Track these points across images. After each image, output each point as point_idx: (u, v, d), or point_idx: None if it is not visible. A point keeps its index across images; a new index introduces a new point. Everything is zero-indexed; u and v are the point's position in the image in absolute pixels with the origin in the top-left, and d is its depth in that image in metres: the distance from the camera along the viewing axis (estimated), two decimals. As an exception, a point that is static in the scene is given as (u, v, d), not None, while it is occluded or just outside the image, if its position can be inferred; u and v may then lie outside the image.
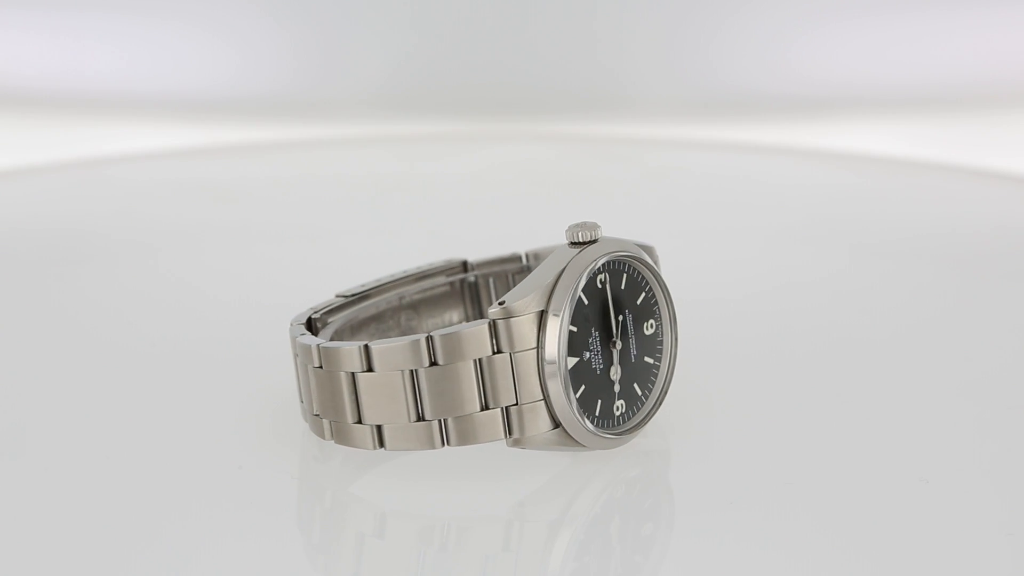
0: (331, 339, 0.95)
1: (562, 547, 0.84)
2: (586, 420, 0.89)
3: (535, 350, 0.87)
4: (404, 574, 0.83)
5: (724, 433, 0.96)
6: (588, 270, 0.88)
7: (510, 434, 0.88)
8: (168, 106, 1.92)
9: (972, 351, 1.09)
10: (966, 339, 1.12)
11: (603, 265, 0.90)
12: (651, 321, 0.93)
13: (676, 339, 0.94)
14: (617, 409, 0.91)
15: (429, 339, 0.87)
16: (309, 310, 0.99)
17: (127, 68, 1.93)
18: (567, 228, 0.90)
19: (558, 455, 0.91)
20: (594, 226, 0.90)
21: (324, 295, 1.01)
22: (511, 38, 1.94)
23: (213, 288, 1.32)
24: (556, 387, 0.87)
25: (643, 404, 0.92)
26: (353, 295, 1.01)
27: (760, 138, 1.87)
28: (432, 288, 1.06)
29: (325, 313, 0.99)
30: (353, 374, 0.89)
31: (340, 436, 0.90)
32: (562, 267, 0.88)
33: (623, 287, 0.91)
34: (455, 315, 1.07)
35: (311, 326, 0.98)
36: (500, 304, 0.87)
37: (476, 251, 1.08)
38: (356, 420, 0.89)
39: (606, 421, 0.90)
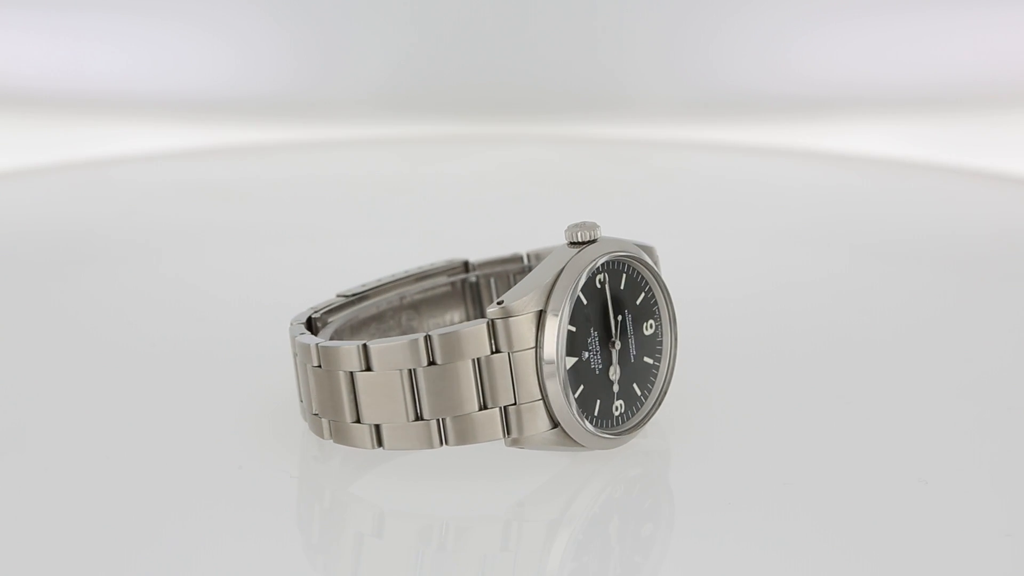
0: (331, 339, 0.96)
1: (561, 547, 0.84)
2: (585, 420, 0.89)
3: (534, 350, 0.87)
4: (403, 574, 0.83)
5: (724, 433, 0.96)
6: (587, 270, 0.88)
7: (508, 434, 0.88)
8: (168, 106, 1.92)
9: (972, 352, 1.09)
10: (966, 340, 1.12)
11: (602, 265, 0.90)
12: (650, 321, 0.93)
13: (676, 339, 0.93)
14: (616, 409, 0.91)
15: (427, 339, 0.87)
16: (309, 310, 0.99)
17: (127, 68, 1.93)
18: (566, 228, 0.90)
19: (557, 455, 0.91)
20: (593, 226, 0.90)
21: (325, 295, 1.01)
22: (512, 39, 1.93)
23: (213, 288, 1.32)
24: (555, 387, 0.87)
25: (642, 404, 0.92)
26: (353, 295, 1.01)
27: (760, 138, 1.87)
28: (433, 288, 1.06)
29: (325, 313, 0.99)
30: (352, 373, 0.89)
31: (339, 435, 0.90)
32: (561, 267, 0.88)
33: (622, 287, 0.91)
34: (456, 315, 1.07)
35: (311, 326, 0.98)
36: (499, 304, 0.87)
37: (478, 252, 1.08)
38: (355, 419, 0.89)
39: (605, 421, 0.90)
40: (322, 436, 0.92)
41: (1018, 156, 1.80)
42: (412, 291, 1.05)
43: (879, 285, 1.28)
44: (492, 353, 0.87)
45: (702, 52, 1.92)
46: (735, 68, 1.92)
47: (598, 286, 0.90)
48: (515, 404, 0.88)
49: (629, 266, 0.91)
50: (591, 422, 0.89)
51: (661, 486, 0.93)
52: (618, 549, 0.84)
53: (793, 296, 1.25)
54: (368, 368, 0.88)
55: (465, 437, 0.88)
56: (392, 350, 0.87)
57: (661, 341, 0.93)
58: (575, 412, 0.88)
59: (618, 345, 0.91)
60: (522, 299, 0.87)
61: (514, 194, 1.65)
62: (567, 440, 0.89)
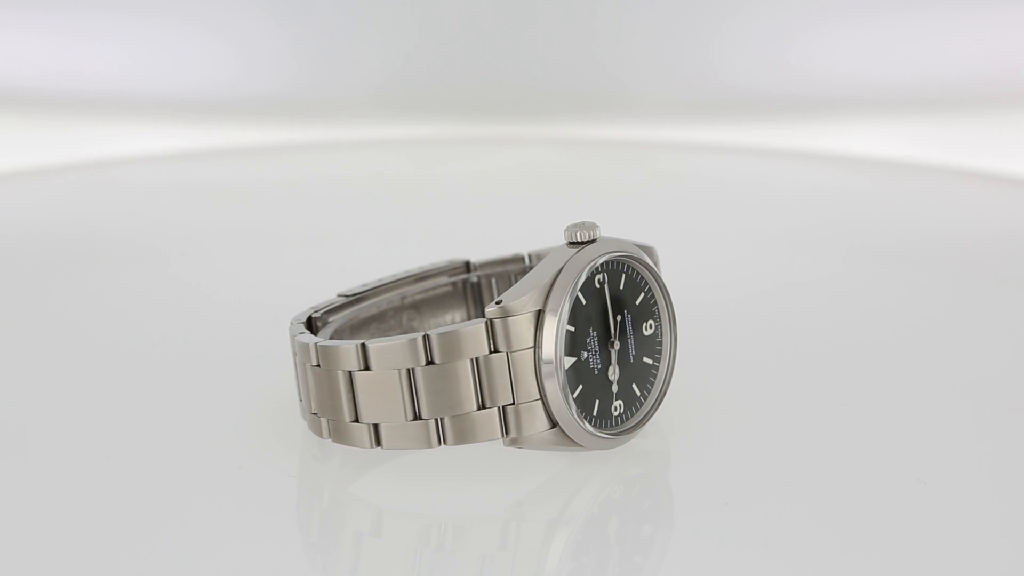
0: (331, 338, 0.96)
1: (559, 547, 0.84)
2: (583, 420, 0.89)
3: (532, 350, 0.87)
4: (401, 573, 0.83)
5: (724, 433, 0.96)
6: (586, 270, 0.88)
7: (507, 434, 0.88)
8: (168, 107, 1.92)
9: (972, 354, 1.09)
10: (966, 341, 1.12)
11: (601, 265, 0.90)
12: (650, 322, 0.93)
13: (675, 340, 0.93)
14: (615, 409, 0.91)
15: (426, 338, 0.87)
16: (310, 309, 0.99)
17: (127, 69, 1.93)
18: (565, 228, 0.90)
19: (556, 455, 0.91)
20: (592, 226, 0.90)
21: (326, 295, 1.01)
22: (512, 40, 1.93)
23: (214, 288, 1.32)
24: (553, 387, 0.87)
25: (642, 405, 0.92)
26: (354, 295, 1.01)
27: (760, 139, 1.87)
28: (434, 288, 1.06)
29: (326, 312, 0.99)
30: (350, 372, 0.89)
31: (337, 435, 0.91)
32: (560, 266, 0.88)
33: (622, 287, 0.91)
34: (457, 315, 1.07)
35: (311, 325, 0.98)
36: (497, 303, 0.87)
37: (480, 252, 1.08)
38: (353, 419, 0.89)
39: (604, 421, 0.90)
40: (321, 435, 0.92)
41: (1019, 156, 1.80)
42: (413, 291, 1.05)
43: (879, 285, 1.28)
44: (491, 353, 0.87)
45: (702, 52, 1.92)
46: (735, 68, 1.92)
47: (597, 286, 0.90)
48: (513, 404, 0.87)
49: (628, 266, 0.91)
50: (590, 422, 0.89)
51: (660, 486, 0.93)
52: (617, 549, 0.84)
53: (793, 296, 1.25)
54: (366, 367, 0.88)
55: (463, 437, 0.88)
56: (390, 349, 0.87)
57: (661, 341, 0.93)
58: (574, 412, 0.88)
59: (617, 345, 0.91)
60: (521, 299, 0.87)
61: (515, 195, 1.66)
62: (566, 440, 0.89)
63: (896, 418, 0.98)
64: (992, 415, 0.98)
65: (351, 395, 0.89)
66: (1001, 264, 1.36)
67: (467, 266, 1.07)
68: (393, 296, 1.03)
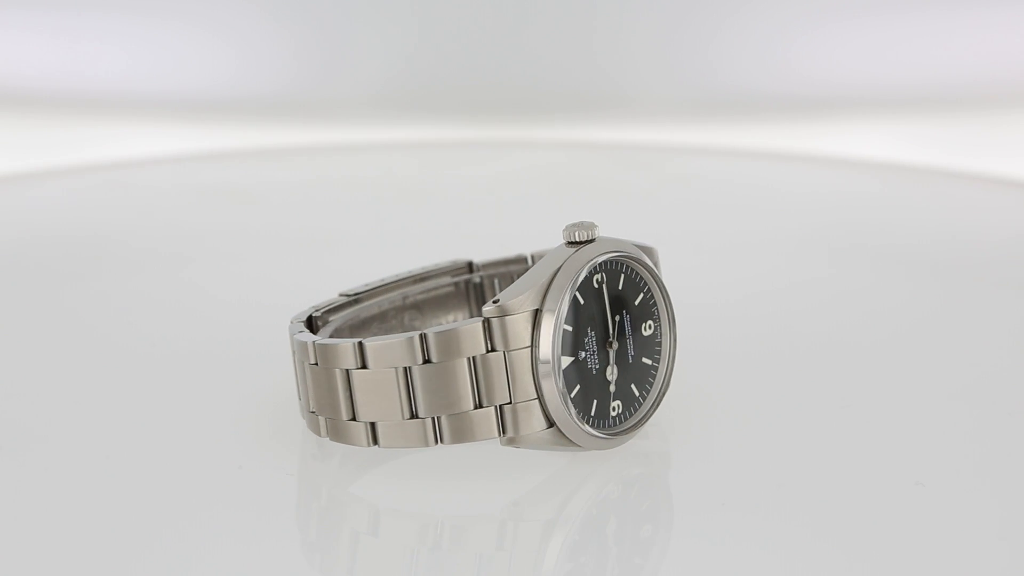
0: (330, 337, 0.96)
1: (557, 547, 0.84)
2: (581, 420, 0.89)
3: (529, 349, 0.87)
4: (399, 573, 0.83)
5: (723, 434, 0.96)
6: (584, 269, 0.88)
7: (504, 433, 0.88)
8: (168, 107, 1.92)
9: (971, 355, 1.09)
10: (965, 343, 1.12)
11: (600, 265, 0.90)
12: (649, 322, 0.93)
13: (675, 340, 0.93)
14: (613, 410, 0.91)
15: (423, 336, 0.87)
16: (311, 308, 0.99)
17: (128, 69, 1.94)
18: (564, 228, 0.90)
19: (554, 455, 0.91)
20: (591, 226, 0.90)
21: (327, 296, 1.01)
22: (512, 41, 1.94)
23: (214, 289, 1.32)
24: (550, 386, 0.87)
25: (640, 405, 0.92)
26: (355, 294, 1.02)
27: (760, 139, 1.88)
28: (436, 288, 1.06)
29: (327, 312, 0.99)
30: (348, 371, 0.89)
31: (335, 433, 0.91)
32: (558, 266, 0.88)
33: (621, 287, 0.91)
34: (460, 316, 1.06)
35: (312, 324, 0.98)
36: (494, 302, 0.87)
37: (483, 253, 1.08)
38: (350, 417, 0.89)
39: (602, 421, 0.90)
40: (319, 434, 0.92)
41: (1019, 157, 1.80)
42: (415, 291, 1.05)
43: (879, 287, 1.28)
44: (488, 352, 0.87)
45: (702, 53, 1.92)
46: (735, 68, 1.92)
47: (595, 286, 0.90)
48: (511, 403, 0.87)
49: (628, 266, 0.91)
50: (587, 422, 0.89)
51: (659, 487, 0.93)
52: (615, 549, 0.84)
53: (792, 297, 1.25)
54: (364, 366, 0.88)
55: (460, 435, 0.88)
56: (387, 348, 0.87)
57: (660, 342, 0.93)
58: (571, 412, 0.88)
59: (616, 345, 0.91)
60: (518, 298, 0.87)
61: (516, 196, 1.66)
62: (563, 440, 0.89)
63: (895, 420, 0.97)
64: (991, 417, 0.98)
65: (348, 393, 0.89)
66: (1002, 266, 1.36)
67: (470, 266, 1.07)
68: (395, 296, 1.04)
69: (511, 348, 0.87)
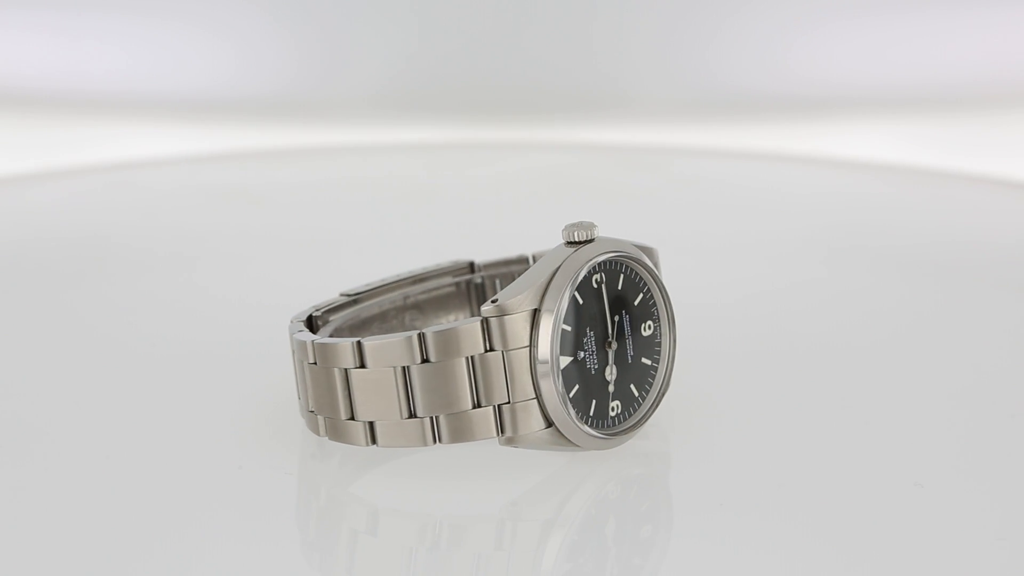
0: (330, 337, 0.96)
1: (556, 547, 0.84)
2: (579, 420, 0.89)
3: (528, 348, 0.87)
4: (397, 572, 0.83)
5: (723, 435, 0.96)
6: (583, 269, 0.88)
7: (503, 432, 0.88)
8: (169, 107, 1.92)
9: (972, 356, 1.09)
10: (965, 344, 1.12)
11: (599, 264, 0.90)
12: (649, 322, 0.92)
13: (674, 341, 0.93)
14: (612, 410, 0.91)
15: (421, 336, 0.87)
16: (311, 308, 0.99)
17: (128, 69, 1.94)
18: (563, 228, 0.90)
19: (553, 455, 0.91)
20: (590, 226, 0.90)
21: (328, 296, 1.01)
22: (513, 41, 1.94)
23: (214, 288, 1.32)
24: (549, 386, 0.87)
25: (640, 405, 0.92)
26: (356, 294, 1.02)
27: (760, 140, 1.88)
28: (437, 289, 1.06)
29: (327, 311, 0.99)
30: (346, 370, 0.89)
31: (334, 432, 0.91)
32: (556, 266, 0.88)
33: (620, 287, 0.91)
34: (461, 316, 1.06)
35: (312, 324, 0.98)
36: (493, 302, 0.87)
37: (484, 254, 1.08)
38: (349, 416, 0.89)
39: (600, 422, 0.90)
40: (318, 433, 0.92)
41: (1019, 157, 1.80)
42: (416, 291, 1.05)
43: (879, 288, 1.28)
44: (486, 351, 0.87)
45: (700, 53, 1.92)
46: (735, 68, 1.92)
47: (594, 286, 0.90)
48: (509, 403, 0.87)
49: (627, 267, 0.91)
50: (586, 422, 0.89)
51: (658, 487, 0.93)
52: (614, 550, 0.84)
53: (792, 298, 1.25)
54: (362, 365, 0.88)
55: (459, 435, 0.88)
56: (386, 347, 0.87)
57: (659, 342, 0.93)
58: (570, 412, 0.88)
59: (615, 345, 0.91)
60: (516, 297, 0.87)
61: (517, 197, 1.66)
62: (562, 440, 0.89)
63: (895, 420, 0.97)
64: (990, 418, 0.98)
65: (347, 393, 0.89)
66: (1001, 267, 1.36)
67: (471, 267, 1.07)
68: (396, 296, 1.03)
69: (510, 348, 0.87)
